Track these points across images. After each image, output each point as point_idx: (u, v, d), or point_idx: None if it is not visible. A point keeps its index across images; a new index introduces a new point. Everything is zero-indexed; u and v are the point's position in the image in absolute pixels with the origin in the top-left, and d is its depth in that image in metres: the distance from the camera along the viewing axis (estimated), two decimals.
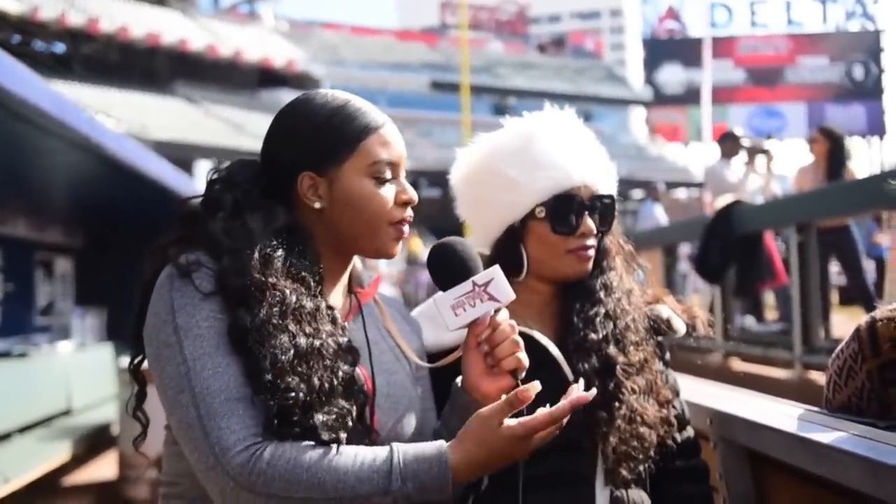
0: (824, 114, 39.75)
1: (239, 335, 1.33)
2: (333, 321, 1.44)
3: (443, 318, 1.47)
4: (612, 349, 1.78)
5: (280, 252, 1.41)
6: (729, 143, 8.94)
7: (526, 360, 1.48)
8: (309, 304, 1.39)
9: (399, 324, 1.66)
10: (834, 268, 7.90)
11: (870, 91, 42.80)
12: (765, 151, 8.83)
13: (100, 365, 8.04)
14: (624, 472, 1.77)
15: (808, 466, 1.53)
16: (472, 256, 1.52)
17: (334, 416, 1.32)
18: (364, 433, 1.39)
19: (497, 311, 1.48)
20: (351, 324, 1.54)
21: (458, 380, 1.57)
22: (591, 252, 1.82)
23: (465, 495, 1.77)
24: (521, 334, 1.74)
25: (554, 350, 1.78)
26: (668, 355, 1.95)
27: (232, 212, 1.45)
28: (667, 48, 43.34)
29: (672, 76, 42.85)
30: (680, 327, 1.92)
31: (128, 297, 1.49)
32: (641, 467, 1.79)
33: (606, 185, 1.86)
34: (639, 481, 1.82)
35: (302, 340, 1.34)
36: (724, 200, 7.17)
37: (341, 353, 1.39)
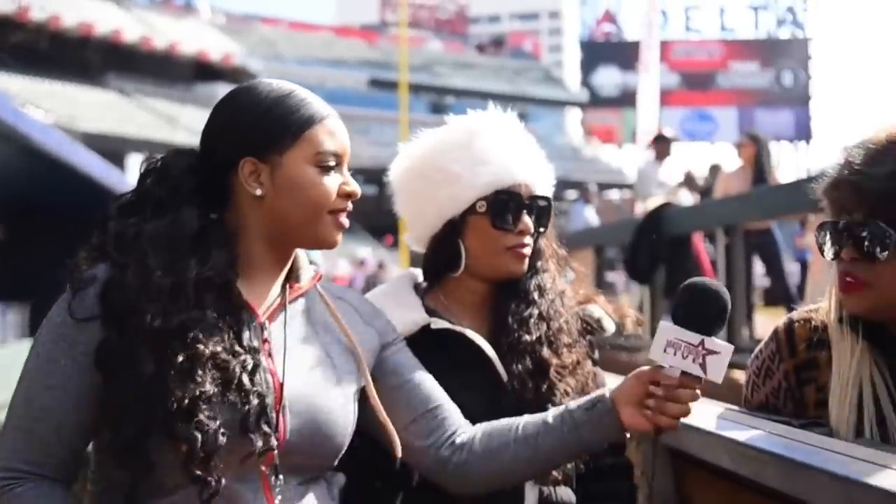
0: (754, 118, 40.57)
1: (100, 361, 1.36)
2: (235, 327, 1.42)
3: (655, 342, 1.45)
4: (545, 351, 1.80)
5: (171, 265, 1.39)
6: (661, 145, 9.09)
7: (674, 429, 1.49)
8: (193, 317, 1.37)
9: (349, 316, 1.62)
10: (759, 269, 8.07)
11: (798, 97, 43.82)
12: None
13: (22, 362, 7.78)
14: (554, 472, 1.79)
15: (726, 464, 1.56)
16: (725, 314, 1.47)
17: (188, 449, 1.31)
18: (263, 437, 1.37)
19: (693, 377, 1.44)
20: (274, 323, 1.51)
21: (607, 391, 1.55)
22: (528, 251, 1.83)
23: (394, 492, 1.76)
24: (454, 333, 1.76)
25: (489, 350, 1.79)
26: (596, 354, 1.97)
27: (152, 213, 1.43)
28: (603, 51, 43.81)
29: (608, 79, 43.32)
30: (610, 327, 1.95)
31: (52, 294, 1.46)
32: (569, 466, 1.80)
33: (544, 186, 1.88)
34: (566, 480, 1.83)
35: (151, 368, 1.33)
36: (654, 202, 7.28)
37: (227, 363, 1.37)
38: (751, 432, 1.52)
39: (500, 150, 1.82)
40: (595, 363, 1.95)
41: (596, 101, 44.78)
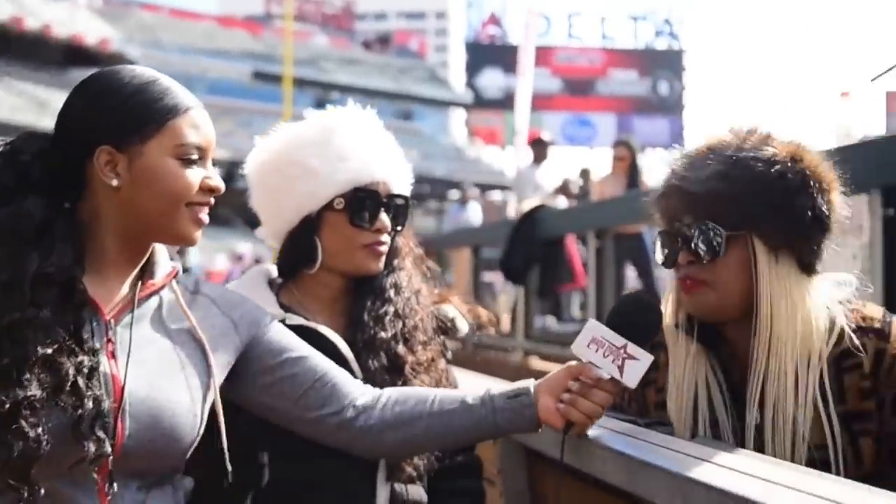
0: (632, 125, 41.76)
1: None
2: (75, 326, 1.36)
3: (581, 336, 1.49)
4: (400, 348, 1.81)
5: (10, 259, 1.33)
6: (539, 148, 9.25)
7: (583, 427, 1.52)
8: (27, 316, 1.31)
9: (206, 310, 1.56)
10: (631, 273, 8.30)
11: (673, 106, 45.39)
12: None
13: None
14: (408, 469, 1.79)
15: (574, 463, 1.58)
16: (654, 329, 1.54)
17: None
18: (96, 442, 1.31)
19: (611, 379, 1.47)
20: (121, 322, 1.45)
21: (532, 382, 1.55)
22: (385, 249, 1.83)
23: (244, 491, 1.73)
24: (309, 329, 1.73)
25: (343, 347, 1.78)
26: (449, 353, 1.98)
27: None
28: (488, 53, 44.36)
29: (492, 80, 43.87)
30: (463, 327, 1.97)
31: None
32: (422, 463, 1.81)
33: (403, 185, 1.88)
34: (418, 477, 1.84)
35: None
36: (530, 204, 7.41)
37: (60, 365, 1.31)
38: (597, 431, 1.55)
39: (359, 147, 1.82)
40: (448, 362, 1.97)
41: (480, 102, 45.30)
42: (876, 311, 1.62)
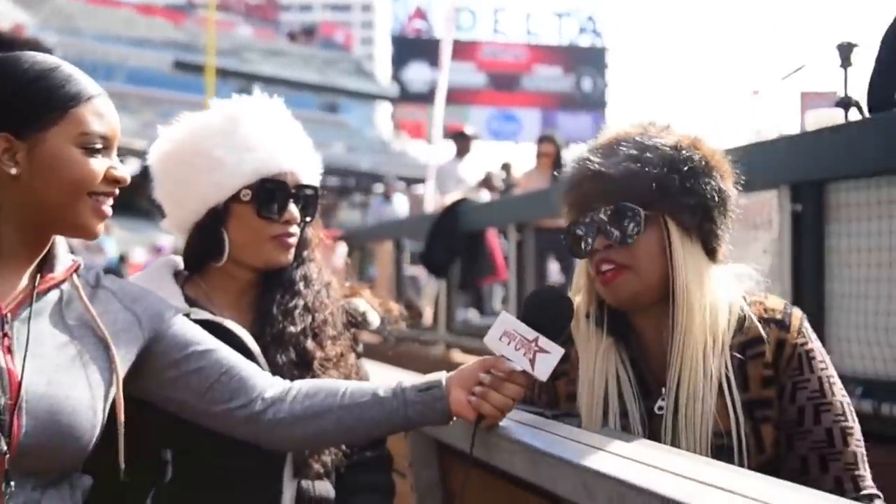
0: (556, 121, 42.21)
1: None
2: None
3: (493, 329, 1.50)
4: (309, 343, 1.78)
5: None
6: (460, 142, 9.27)
7: (494, 419, 1.52)
8: None
9: (108, 304, 1.52)
10: (555, 267, 8.37)
11: (596, 102, 45.97)
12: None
13: None
14: (315, 466, 1.77)
15: (482, 455, 1.58)
16: (565, 323, 1.55)
17: None
18: None
19: (523, 372, 1.49)
20: (18, 317, 1.39)
21: (443, 375, 1.55)
22: (294, 241, 1.81)
23: (145, 489, 1.69)
24: (215, 324, 1.70)
25: (250, 341, 1.74)
26: (360, 347, 1.97)
27: None
28: (414, 47, 44.24)
29: (418, 74, 43.77)
30: (374, 321, 1.95)
31: None
32: (330, 459, 1.79)
33: (312, 175, 1.85)
34: (326, 473, 1.82)
35: None
36: (452, 197, 7.42)
37: None
38: (505, 423, 1.55)
39: (265, 136, 1.78)
40: (359, 356, 1.95)
41: (406, 96, 45.19)
42: (777, 302, 1.67)
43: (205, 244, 1.79)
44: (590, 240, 1.63)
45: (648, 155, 1.60)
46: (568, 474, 1.33)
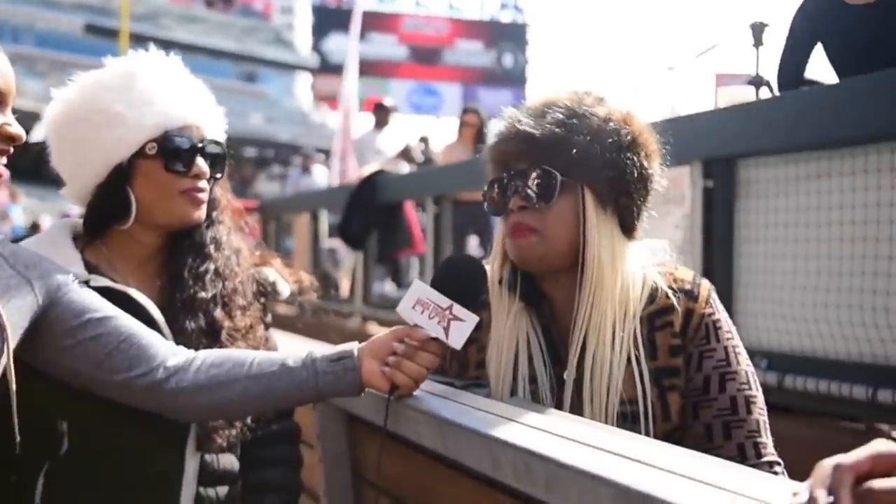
0: (477, 96, 42.21)
1: None
2: None
3: (406, 298, 1.48)
4: (218, 312, 1.73)
5: None
6: (380, 114, 9.20)
7: (408, 389, 1.51)
8: None
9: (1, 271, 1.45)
10: (474, 241, 8.38)
11: (516, 78, 46.13)
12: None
13: None
14: (219, 439, 1.72)
15: (391, 426, 1.56)
16: (479, 290, 1.54)
17: None
18: None
19: (437, 341, 1.47)
20: None
21: (355, 345, 1.53)
22: (204, 196, 1.74)
23: (38, 461, 1.61)
24: (116, 292, 1.62)
25: (153, 310, 1.67)
26: (269, 318, 1.92)
27: None
28: (335, 17, 43.62)
29: (338, 45, 43.16)
30: (284, 291, 1.91)
31: None
32: (234, 431, 1.74)
33: (217, 131, 1.79)
34: (231, 447, 1.77)
35: None
36: (370, 169, 7.35)
37: None
38: (414, 393, 1.53)
39: (165, 90, 1.72)
40: (268, 327, 1.90)
41: (326, 67, 44.61)
42: (687, 273, 1.69)
43: (109, 205, 1.71)
44: (506, 198, 1.63)
45: (575, 122, 1.60)
46: (474, 444, 1.32)
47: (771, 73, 4.10)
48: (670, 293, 1.63)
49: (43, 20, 43.56)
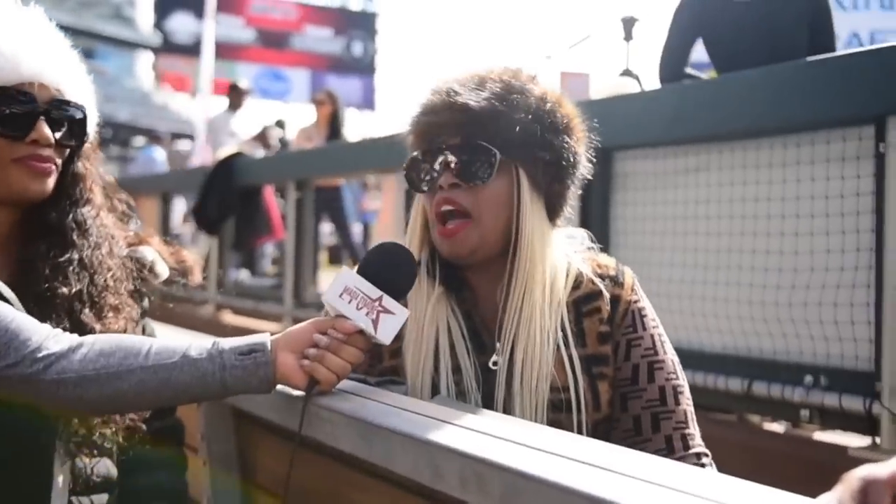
0: (325, 83, 41.61)
1: None
2: None
3: (332, 286, 1.34)
4: (86, 314, 1.49)
5: None
6: (234, 95, 8.86)
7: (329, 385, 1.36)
8: None
9: None
10: (327, 228, 8.20)
11: (366, 67, 45.89)
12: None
13: None
14: (91, 444, 1.50)
15: (295, 427, 1.39)
16: (411, 282, 1.41)
17: None
18: None
19: (362, 333, 1.34)
20: None
21: (267, 337, 1.36)
22: (50, 166, 1.50)
23: None
24: None
25: (11, 297, 1.43)
26: (146, 303, 1.71)
27: None
28: None
29: (182, 25, 41.76)
30: (163, 272, 1.70)
31: None
32: (108, 431, 1.53)
33: (75, 93, 1.55)
34: (106, 452, 1.56)
35: None
36: (226, 152, 7.03)
37: None
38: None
39: (5, 42, 1.46)
40: (144, 314, 1.70)
41: (170, 47, 43.00)
42: (609, 260, 1.64)
43: None
44: (435, 174, 1.50)
45: (516, 98, 1.49)
46: (409, 451, 1.18)
47: (639, 67, 4.14)
48: (596, 279, 1.57)
49: None
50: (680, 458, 1.49)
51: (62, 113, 1.51)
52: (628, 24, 4.73)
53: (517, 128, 1.47)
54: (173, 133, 24.07)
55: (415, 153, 1.55)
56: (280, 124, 9.59)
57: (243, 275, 7.66)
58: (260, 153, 7.99)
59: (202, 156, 9.11)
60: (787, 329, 2.99)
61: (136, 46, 50.87)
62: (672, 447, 1.52)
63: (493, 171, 1.48)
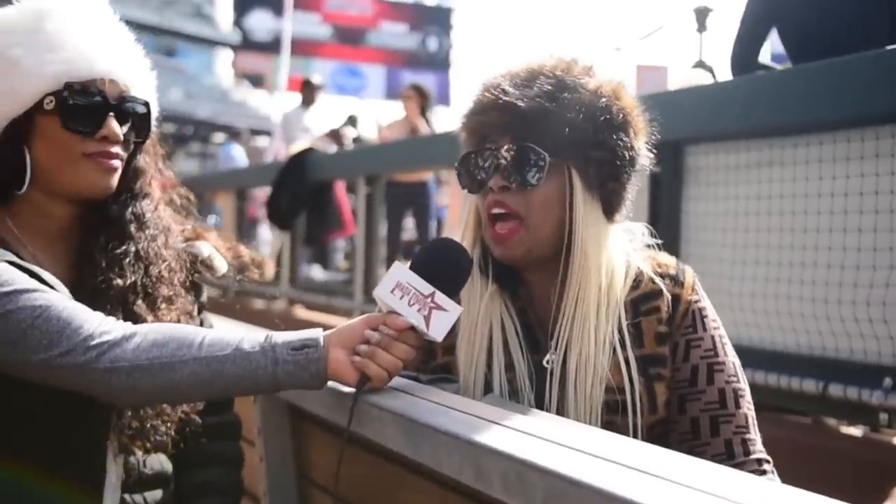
0: (401, 78, 41.86)
1: None
2: None
3: (383, 281, 1.33)
4: (140, 304, 1.49)
5: None
6: (307, 91, 8.93)
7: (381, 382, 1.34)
8: None
9: None
10: (410, 223, 8.15)
11: (441, 63, 45.99)
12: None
13: None
14: (145, 439, 1.51)
15: (353, 426, 1.38)
16: (464, 278, 1.39)
17: None
18: None
19: (414, 330, 1.32)
20: None
21: (320, 332, 1.34)
22: (117, 163, 1.50)
23: None
24: (25, 270, 1.40)
25: (64, 292, 1.45)
26: (204, 297, 1.72)
27: None
28: None
29: (261, 23, 42.44)
30: (221, 267, 1.70)
31: None
32: (163, 427, 1.53)
33: (141, 89, 1.56)
34: (161, 447, 1.56)
35: None
36: (298, 147, 7.10)
37: None
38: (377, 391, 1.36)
39: (77, 35, 1.47)
40: (202, 309, 1.70)
41: (248, 44, 43.74)
42: (669, 259, 1.59)
43: (3, 167, 1.46)
44: (485, 175, 1.47)
45: (566, 96, 1.44)
46: (454, 451, 1.15)
47: (713, 59, 4.03)
48: (656, 278, 1.52)
49: None
50: (739, 464, 1.45)
51: (129, 108, 1.52)
52: (702, 14, 4.62)
53: (567, 127, 1.43)
54: (252, 129, 24.42)
55: (465, 152, 1.52)
56: (352, 121, 9.63)
57: (315, 270, 7.72)
58: (333, 149, 8.05)
59: (276, 151, 9.20)
60: (865, 329, 2.88)
61: (215, 44, 51.84)
62: (732, 452, 1.47)
63: (542, 173, 1.44)
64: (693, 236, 3.57)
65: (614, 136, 1.46)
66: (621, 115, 1.47)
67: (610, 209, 1.50)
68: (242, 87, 49.02)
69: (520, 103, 1.43)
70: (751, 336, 3.25)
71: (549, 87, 1.45)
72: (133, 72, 1.55)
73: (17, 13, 1.48)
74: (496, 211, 1.46)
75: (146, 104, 1.55)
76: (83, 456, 1.47)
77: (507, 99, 1.44)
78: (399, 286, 1.32)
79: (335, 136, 8.51)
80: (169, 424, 1.53)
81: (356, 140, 8.93)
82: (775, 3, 3.53)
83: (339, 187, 7.12)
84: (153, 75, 1.61)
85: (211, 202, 11.42)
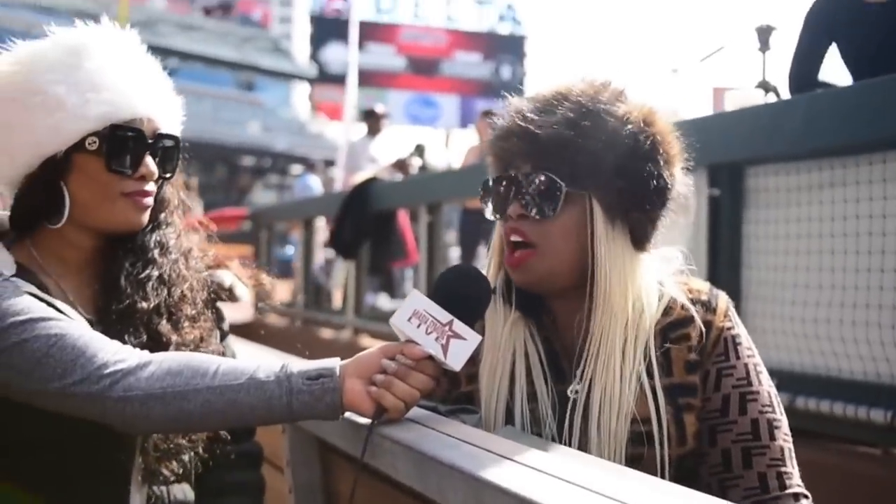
0: (474, 107, 42.06)
1: None
2: None
3: (400, 309, 1.31)
4: (164, 325, 1.50)
5: None
6: (371, 121, 9.01)
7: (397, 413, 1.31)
8: None
9: None
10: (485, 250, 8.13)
11: (514, 90, 45.91)
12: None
13: None
14: (165, 472, 1.51)
15: (367, 458, 1.35)
16: (483, 307, 1.37)
17: None
18: None
19: (432, 359, 1.29)
20: None
21: (337, 362, 1.32)
22: (150, 201, 1.52)
23: None
24: (41, 300, 1.41)
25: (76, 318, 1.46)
26: (226, 325, 1.71)
27: None
28: (333, 27, 43.49)
29: (336, 55, 43.10)
30: (244, 295, 1.70)
31: None
32: (187, 457, 1.53)
33: (171, 124, 1.57)
34: (184, 476, 1.56)
35: None
36: (362, 177, 7.15)
37: None
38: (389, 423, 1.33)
39: (117, 74, 1.49)
40: (224, 336, 1.70)
41: (324, 77, 44.53)
42: (702, 284, 1.53)
43: (39, 201, 1.48)
44: (504, 202, 1.44)
45: (587, 123, 1.40)
46: (459, 485, 1.11)
47: (777, 79, 3.93)
48: (688, 304, 1.46)
49: (39, 27, 43.51)
50: (774, 499, 1.38)
51: (162, 145, 1.54)
52: (764, 33, 4.51)
53: (586, 156, 1.39)
54: (326, 160, 24.83)
55: (489, 178, 1.49)
56: (419, 150, 9.66)
57: (382, 299, 7.74)
58: (398, 179, 8.08)
59: (343, 181, 9.29)
60: None
61: (292, 77, 52.93)
62: (766, 486, 1.39)
63: (559, 203, 1.40)
64: (754, 261, 3.46)
65: (638, 164, 1.40)
66: (649, 142, 1.42)
67: (638, 238, 1.45)
68: (319, 119, 49.88)
69: (539, 131, 1.40)
70: (815, 364, 3.12)
71: (571, 115, 1.40)
72: (166, 108, 1.57)
73: (54, 48, 1.49)
74: (514, 239, 1.43)
75: (175, 138, 1.57)
76: (107, 484, 1.48)
77: (526, 126, 1.41)
78: (416, 314, 1.30)
79: (401, 165, 8.54)
80: (196, 442, 1.53)
81: (422, 169, 8.95)
82: (833, 20, 3.43)
83: (403, 216, 7.14)
84: (178, 102, 1.62)
85: (286, 234, 11.55)
